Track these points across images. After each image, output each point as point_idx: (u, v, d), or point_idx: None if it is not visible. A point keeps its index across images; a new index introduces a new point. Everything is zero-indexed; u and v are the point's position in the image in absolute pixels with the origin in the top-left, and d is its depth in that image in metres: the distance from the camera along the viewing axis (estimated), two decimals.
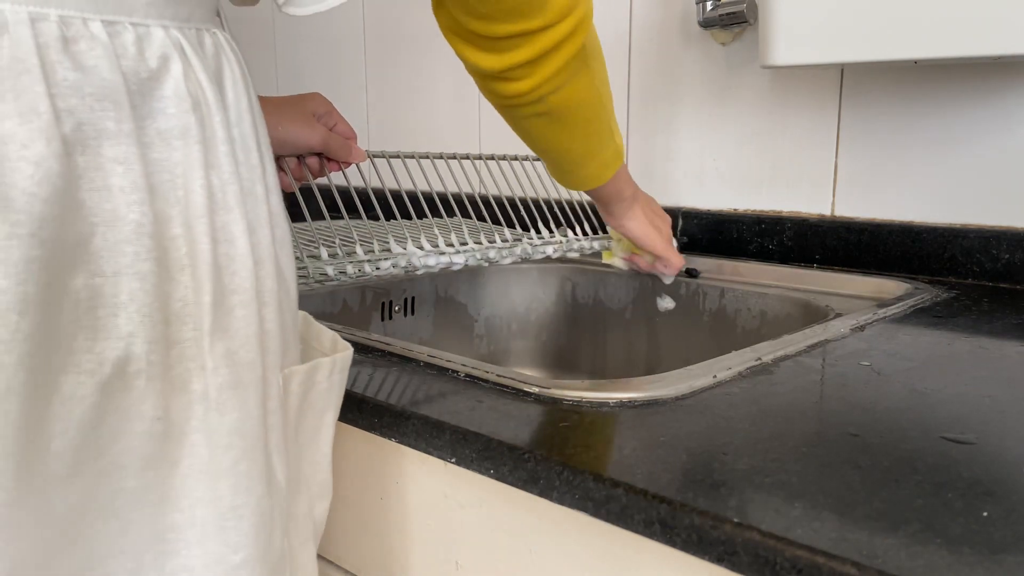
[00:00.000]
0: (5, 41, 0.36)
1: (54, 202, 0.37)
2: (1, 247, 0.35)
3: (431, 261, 0.78)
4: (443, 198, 0.93)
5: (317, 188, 0.81)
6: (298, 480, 0.50)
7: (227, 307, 0.42)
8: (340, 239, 0.81)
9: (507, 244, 0.86)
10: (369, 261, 0.75)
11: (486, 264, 0.85)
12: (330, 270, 0.72)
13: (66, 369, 0.38)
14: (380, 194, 0.89)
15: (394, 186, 0.91)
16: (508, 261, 0.86)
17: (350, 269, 0.73)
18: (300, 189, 0.78)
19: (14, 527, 0.38)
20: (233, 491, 0.43)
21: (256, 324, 0.44)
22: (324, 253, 0.74)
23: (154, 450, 0.41)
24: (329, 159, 0.79)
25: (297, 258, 0.73)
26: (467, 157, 0.95)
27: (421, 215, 0.91)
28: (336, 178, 0.82)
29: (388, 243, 0.79)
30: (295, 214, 0.79)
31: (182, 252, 0.41)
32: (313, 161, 0.78)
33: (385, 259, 0.76)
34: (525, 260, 0.90)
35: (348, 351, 0.52)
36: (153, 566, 0.42)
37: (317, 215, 0.82)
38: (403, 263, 0.77)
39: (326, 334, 0.54)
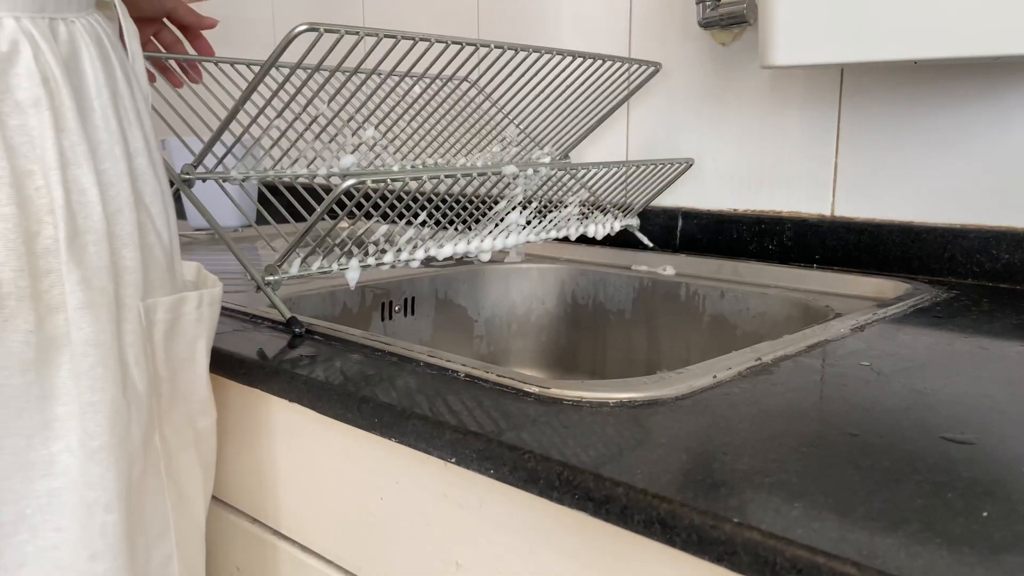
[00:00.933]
0: None
1: None
2: None
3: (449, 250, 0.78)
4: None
5: (319, 188, 0.81)
6: (174, 393, 0.60)
7: (81, 243, 0.51)
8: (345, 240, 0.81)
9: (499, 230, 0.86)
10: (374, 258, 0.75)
11: (474, 254, 0.85)
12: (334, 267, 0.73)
13: None
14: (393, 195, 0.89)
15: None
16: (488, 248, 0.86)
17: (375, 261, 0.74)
18: (300, 189, 0.78)
19: None
20: (90, 390, 0.52)
21: (108, 258, 0.53)
22: (318, 262, 0.74)
23: (34, 355, 0.51)
24: (185, 30, 0.87)
25: (306, 260, 0.73)
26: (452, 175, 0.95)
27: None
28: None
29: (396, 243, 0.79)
30: (295, 215, 0.79)
31: (46, 199, 0.50)
32: (167, 35, 0.86)
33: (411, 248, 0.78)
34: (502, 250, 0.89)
35: (217, 288, 0.62)
36: (42, 446, 0.52)
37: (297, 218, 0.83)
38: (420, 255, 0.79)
39: (210, 279, 0.65)
